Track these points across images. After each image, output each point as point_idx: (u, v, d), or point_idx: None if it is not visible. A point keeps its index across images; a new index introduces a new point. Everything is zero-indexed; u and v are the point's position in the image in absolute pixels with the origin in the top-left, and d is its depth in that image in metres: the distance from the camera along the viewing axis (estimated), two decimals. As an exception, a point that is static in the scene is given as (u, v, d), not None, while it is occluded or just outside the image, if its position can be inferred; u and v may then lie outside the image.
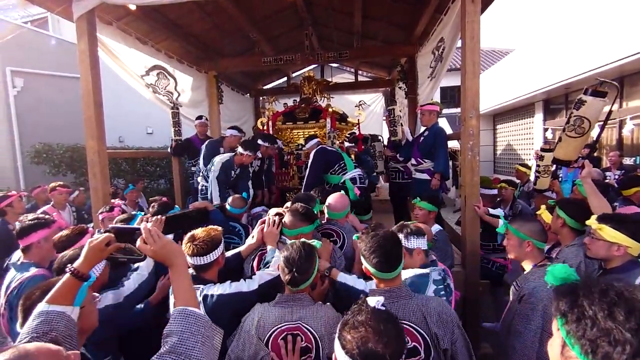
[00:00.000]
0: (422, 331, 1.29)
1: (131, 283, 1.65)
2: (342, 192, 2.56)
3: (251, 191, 4.02)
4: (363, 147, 5.40)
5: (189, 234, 1.69)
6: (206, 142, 4.54)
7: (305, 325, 1.39)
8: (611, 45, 5.73)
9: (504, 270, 3.36)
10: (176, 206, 2.73)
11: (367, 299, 1.05)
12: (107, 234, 1.20)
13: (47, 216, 2.11)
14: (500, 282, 3.36)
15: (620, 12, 5.64)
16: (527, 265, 1.77)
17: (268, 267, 1.77)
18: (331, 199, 2.44)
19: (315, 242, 1.65)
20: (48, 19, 10.11)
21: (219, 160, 3.74)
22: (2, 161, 7.72)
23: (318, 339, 1.37)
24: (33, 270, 1.83)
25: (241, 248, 2.09)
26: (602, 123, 2.60)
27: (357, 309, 1.01)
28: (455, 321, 1.34)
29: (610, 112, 2.47)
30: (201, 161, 4.30)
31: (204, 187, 3.87)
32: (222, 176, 3.66)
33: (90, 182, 3.48)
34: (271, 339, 1.39)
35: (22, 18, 9.81)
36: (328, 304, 1.56)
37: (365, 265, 1.44)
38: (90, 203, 3.55)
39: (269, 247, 1.92)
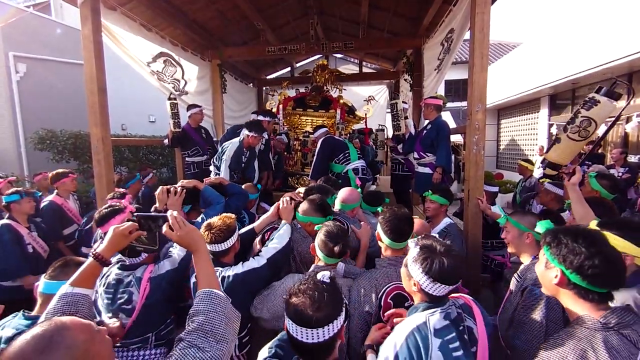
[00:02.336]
0: None
1: (178, 251, 1.81)
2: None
3: (256, 173, 4.08)
4: (370, 140, 5.47)
5: (205, 223, 1.79)
6: (229, 128, 4.62)
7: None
8: (620, 40, 5.64)
9: (502, 267, 3.37)
10: None
11: (318, 273, 1.18)
12: (131, 222, 1.26)
13: (118, 204, 2.20)
14: (500, 277, 3.38)
15: (630, 7, 5.53)
16: (526, 258, 1.77)
17: (273, 240, 1.91)
18: (344, 192, 2.51)
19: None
20: (50, 3, 10.00)
21: (230, 147, 3.79)
22: (5, 147, 7.74)
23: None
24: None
25: (255, 224, 2.21)
26: (611, 122, 2.46)
27: (304, 280, 1.15)
28: None
29: (621, 112, 2.35)
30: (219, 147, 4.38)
31: (217, 175, 3.98)
32: (233, 164, 3.76)
33: (95, 169, 3.49)
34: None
35: (24, 2, 9.71)
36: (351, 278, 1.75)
37: (381, 234, 1.67)
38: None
39: (282, 222, 2.09)
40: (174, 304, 1.84)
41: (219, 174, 3.85)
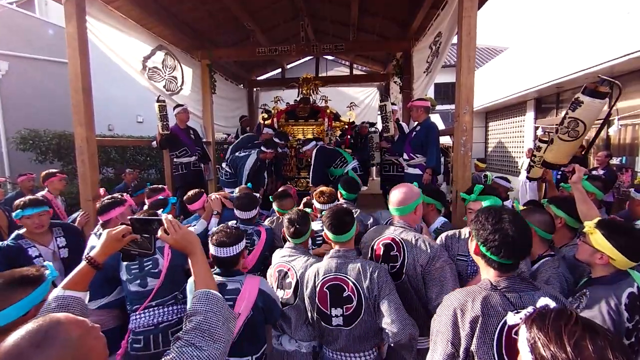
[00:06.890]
0: (357, 284, 1.66)
1: (196, 226, 2.51)
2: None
3: (266, 180, 4.73)
4: (352, 140, 5.95)
5: (318, 190, 2.59)
6: (243, 136, 5.29)
7: (293, 267, 1.95)
8: (602, 46, 5.80)
9: None
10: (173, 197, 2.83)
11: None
12: (124, 225, 1.24)
13: (120, 196, 2.41)
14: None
15: (611, 13, 5.71)
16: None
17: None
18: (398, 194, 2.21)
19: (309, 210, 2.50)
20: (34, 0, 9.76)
21: (250, 159, 4.49)
22: (-14, 147, 7.50)
23: (298, 277, 1.88)
24: None
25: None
26: (601, 122, 2.50)
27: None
28: (384, 280, 1.66)
29: (610, 111, 2.36)
30: (230, 150, 4.98)
31: (228, 173, 4.65)
32: (251, 172, 4.50)
33: (79, 170, 3.40)
34: (273, 270, 2.02)
35: (7, -1, 9.44)
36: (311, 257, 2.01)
37: (326, 231, 1.80)
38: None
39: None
40: None
41: (230, 172, 4.56)
